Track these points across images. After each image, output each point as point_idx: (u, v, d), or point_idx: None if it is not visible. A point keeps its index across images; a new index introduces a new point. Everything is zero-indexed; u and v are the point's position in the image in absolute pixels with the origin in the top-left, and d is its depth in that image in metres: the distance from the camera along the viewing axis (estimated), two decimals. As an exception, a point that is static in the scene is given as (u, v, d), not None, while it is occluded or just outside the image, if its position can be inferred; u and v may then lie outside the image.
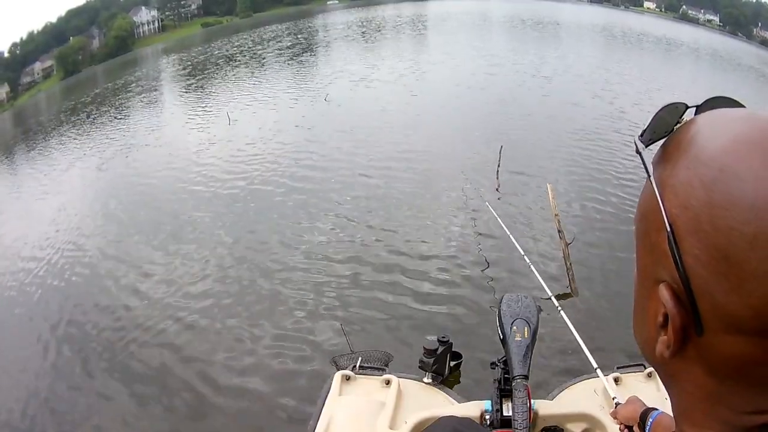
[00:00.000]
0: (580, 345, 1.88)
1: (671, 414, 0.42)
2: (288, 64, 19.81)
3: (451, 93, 11.86)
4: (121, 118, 14.59)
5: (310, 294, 4.54)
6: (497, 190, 6.08)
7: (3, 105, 38.10)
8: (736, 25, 54.80)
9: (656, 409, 0.88)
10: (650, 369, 1.83)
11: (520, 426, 1.52)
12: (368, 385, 1.90)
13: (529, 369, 1.64)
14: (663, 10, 61.91)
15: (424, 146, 8.13)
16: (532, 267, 2.95)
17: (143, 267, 5.40)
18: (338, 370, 1.95)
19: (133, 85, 21.59)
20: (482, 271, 4.65)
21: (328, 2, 61.64)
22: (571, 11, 42.29)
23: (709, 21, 58.47)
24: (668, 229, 0.35)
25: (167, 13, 57.61)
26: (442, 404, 1.84)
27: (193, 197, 7.09)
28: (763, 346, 0.32)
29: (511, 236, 3.58)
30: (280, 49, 23.97)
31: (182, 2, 58.48)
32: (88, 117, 16.34)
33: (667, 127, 0.40)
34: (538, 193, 5.89)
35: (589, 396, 1.79)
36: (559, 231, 4.34)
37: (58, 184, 9.56)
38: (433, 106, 10.87)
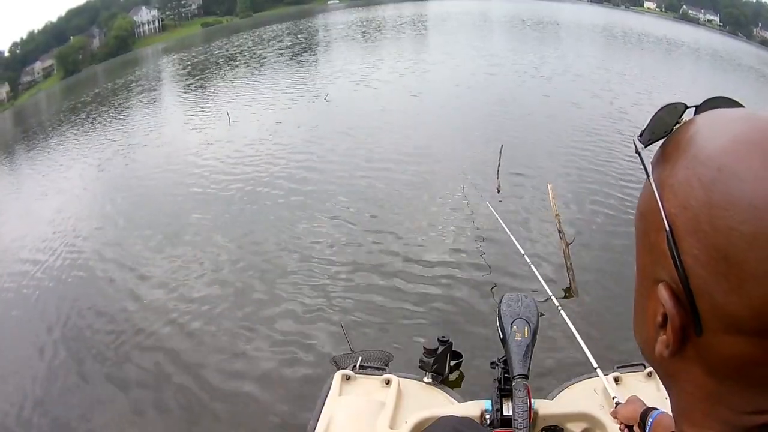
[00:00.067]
0: (580, 344, 1.89)
1: (671, 414, 0.42)
2: (288, 64, 19.80)
3: (451, 93, 11.85)
4: (121, 118, 14.56)
5: (310, 294, 4.53)
6: (497, 190, 6.07)
7: (3, 104, 38.10)
8: (737, 25, 54.77)
9: (656, 409, 0.88)
10: (650, 368, 1.83)
11: (521, 426, 1.52)
12: (368, 384, 1.90)
13: (529, 369, 1.64)
14: (663, 10, 61.87)
15: (424, 146, 8.12)
16: (533, 267, 2.94)
17: (141, 269, 5.37)
18: (338, 369, 1.96)
19: (134, 84, 21.58)
20: (482, 270, 4.65)
21: (329, 2, 61.61)
22: (571, 11, 42.24)
23: (710, 21, 58.44)
24: (667, 229, 0.35)
25: (167, 12, 57.60)
26: (443, 404, 1.84)
27: (191, 198, 7.08)
28: (763, 346, 0.32)
29: (511, 236, 3.58)
30: (280, 49, 23.94)
31: (182, 2, 58.46)
32: (87, 117, 16.32)
33: (666, 127, 0.40)
34: (539, 193, 5.89)
35: (589, 396, 1.79)
36: (559, 231, 4.34)
37: (57, 184, 9.53)
38: (433, 106, 10.86)
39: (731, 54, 27.35)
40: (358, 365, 1.97)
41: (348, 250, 5.20)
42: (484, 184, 6.17)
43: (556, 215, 4.43)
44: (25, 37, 47.60)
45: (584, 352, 1.85)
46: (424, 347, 1.95)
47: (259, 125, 10.45)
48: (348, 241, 5.38)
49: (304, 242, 5.45)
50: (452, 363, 2.07)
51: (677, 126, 0.40)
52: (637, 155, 0.41)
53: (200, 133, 10.71)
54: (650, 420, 0.86)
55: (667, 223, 0.35)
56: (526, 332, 1.70)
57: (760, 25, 53.92)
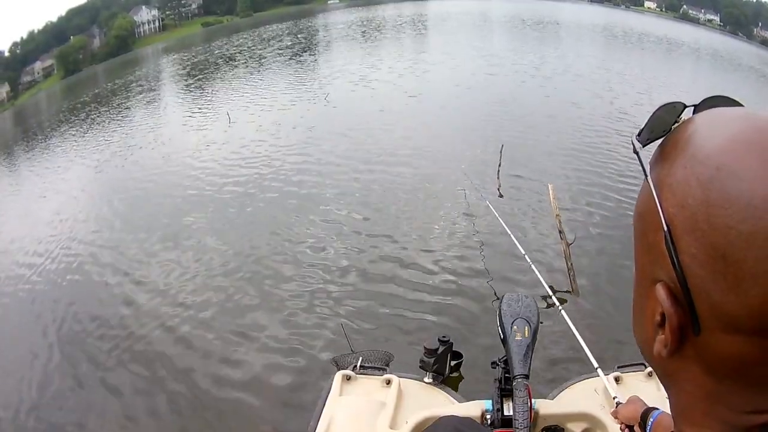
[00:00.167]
0: (580, 344, 1.89)
1: (671, 413, 0.42)
2: (288, 64, 19.79)
3: (451, 93, 11.84)
4: (120, 119, 14.56)
5: (310, 295, 4.51)
6: (498, 189, 6.07)
7: (3, 104, 38.12)
8: (737, 25, 54.76)
9: (657, 409, 0.88)
10: (651, 368, 1.83)
11: (521, 425, 1.52)
12: (369, 384, 1.90)
13: (529, 368, 1.64)
14: (663, 9, 61.87)
15: (424, 146, 8.11)
16: (533, 267, 2.94)
17: (136, 274, 5.33)
18: (339, 369, 1.96)
19: (133, 85, 21.57)
20: (483, 270, 4.64)
21: (329, 2, 61.65)
22: (571, 11, 42.22)
23: (710, 21, 58.43)
24: (665, 228, 0.35)
25: (168, 12, 57.66)
26: (443, 404, 1.84)
27: (190, 200, 7.05)
28: (761, 346, 0.32)
29: (512, 236, 3.58)
30: (280, 49, 23.94)
31: (183, 2, 58.52)
32: (87, 117, 16.32)
33: (665, 126, 0.40)
34: (539, 193, 5.89)
35: (589, 395, 1.79)
36: (560, 231, 4.34)
37: (56, 185, 9.53)
38: (433, 106, 10.84)
39: (731, 54, 27.34)
40: (358, 365, 1.97)
41: (348, 251, 5.19)
42: (484, 185, 6.16)
43: (557, 215, 4.42)
44: (25, 36, 47.76)
45: (585, 351, 1.85)
46: (424, 347, 1.95)
47: (258, 126, 10.43)
48: (347, 242, 5.37)
49: (303, 245, 5.44)
50: (453, 363, 2.07)
51: (676, 125, 0.40)
52: (635, 155, 0.41)
53: (199, 134, 10.70)
54: (651, 420, 0.86)
55: (665, 222, 0.35)
56: (526, 332, 1.70)
57: (760, 24, 53.92)
